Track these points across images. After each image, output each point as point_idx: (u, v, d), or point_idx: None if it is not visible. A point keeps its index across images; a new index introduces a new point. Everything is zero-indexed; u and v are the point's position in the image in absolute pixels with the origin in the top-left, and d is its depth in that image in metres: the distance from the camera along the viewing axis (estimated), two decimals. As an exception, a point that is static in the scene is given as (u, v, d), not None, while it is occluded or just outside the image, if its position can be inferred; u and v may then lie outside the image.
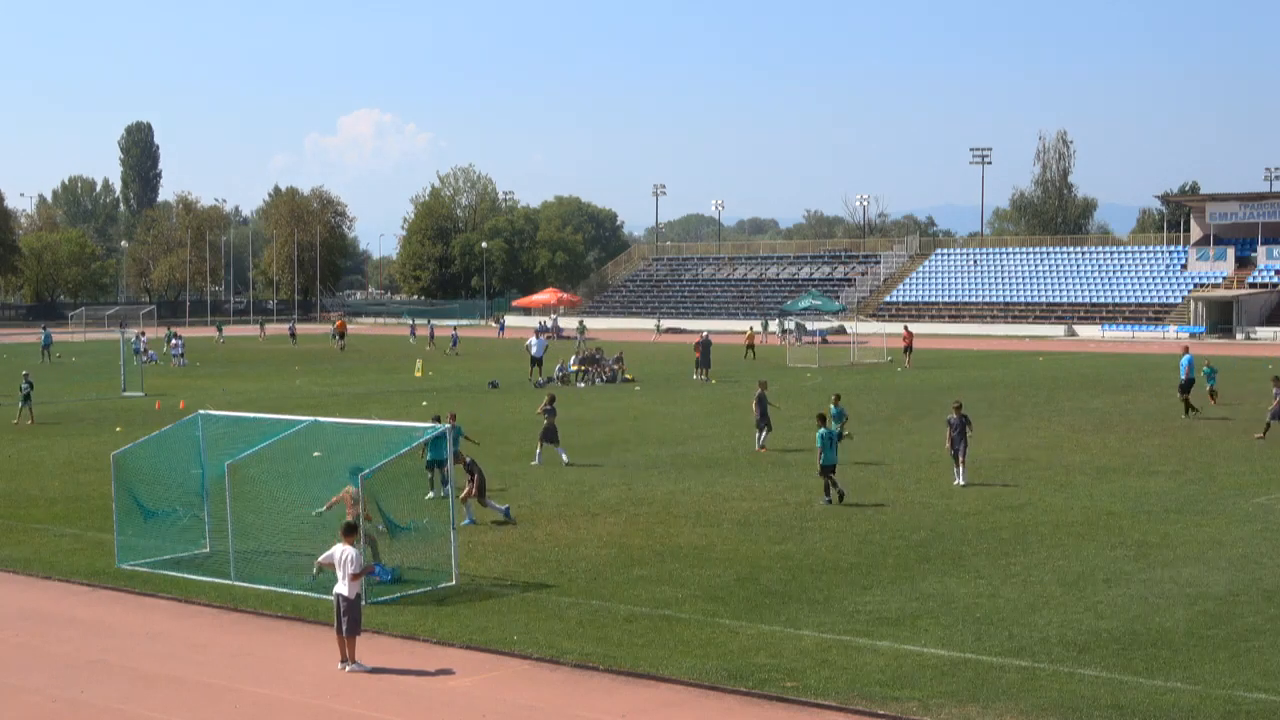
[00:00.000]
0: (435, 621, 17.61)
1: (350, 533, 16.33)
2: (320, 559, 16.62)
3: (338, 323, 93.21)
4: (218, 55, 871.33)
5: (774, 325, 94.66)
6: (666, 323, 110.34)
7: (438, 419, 25.96)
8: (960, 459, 27.80)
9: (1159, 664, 15.39)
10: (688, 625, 17.29)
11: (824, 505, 25.59)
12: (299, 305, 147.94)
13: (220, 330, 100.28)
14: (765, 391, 34.24)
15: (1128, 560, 20.77)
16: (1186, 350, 42.96)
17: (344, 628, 15.77)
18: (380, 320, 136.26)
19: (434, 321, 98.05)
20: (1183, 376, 41.03)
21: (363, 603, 16.33)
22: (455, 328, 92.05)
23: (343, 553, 15.99)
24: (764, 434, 33.78)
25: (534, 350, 57.70)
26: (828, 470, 25.92)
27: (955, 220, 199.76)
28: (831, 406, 31.96)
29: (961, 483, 27.52)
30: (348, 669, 15.71)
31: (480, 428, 34.61)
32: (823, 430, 26.06)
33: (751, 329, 79.21)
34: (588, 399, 48.11)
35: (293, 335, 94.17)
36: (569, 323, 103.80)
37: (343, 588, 15.84)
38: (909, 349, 65.30)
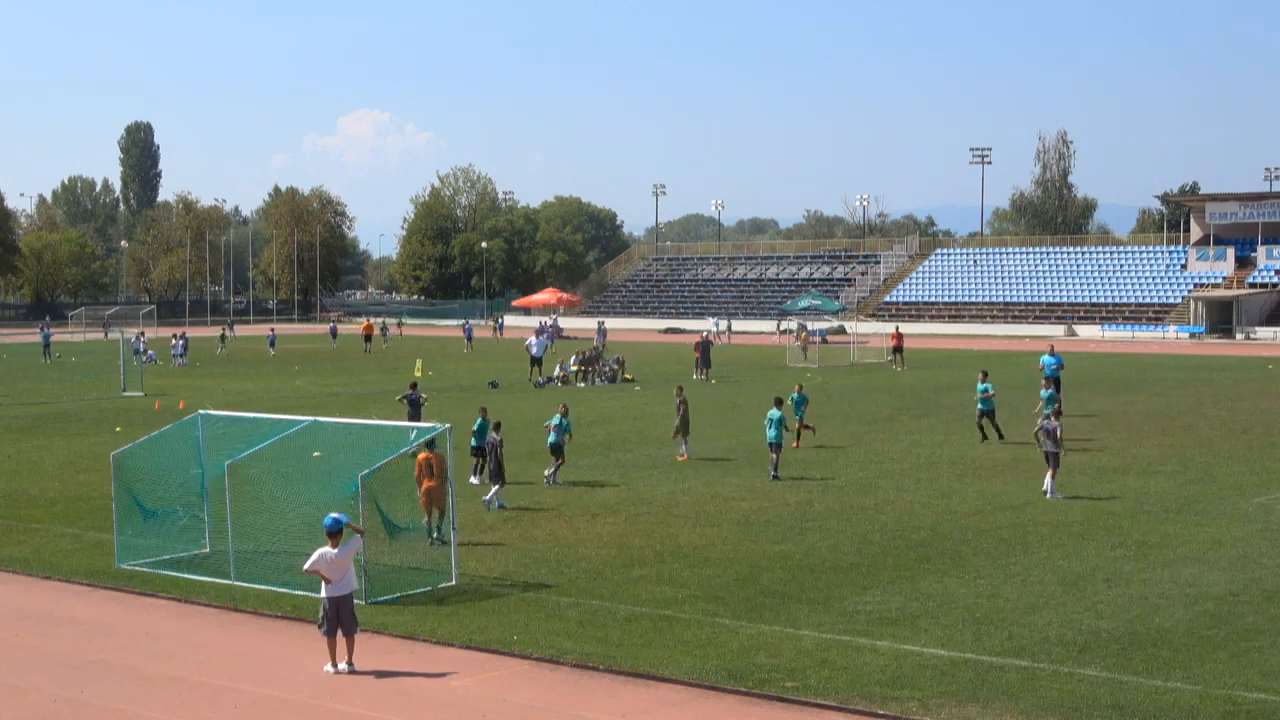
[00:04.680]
0: (435, 621, 17.61)
1: (335, 531, 16.17)
2: (307, 567, 16.15)
3: (364, 324, 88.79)
4: (218, 55, 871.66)
5: (784, 325, 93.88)
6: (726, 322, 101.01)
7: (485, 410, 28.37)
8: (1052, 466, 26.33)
9: (1159, 664, 15.39)
10: (688, 625, 17.29)
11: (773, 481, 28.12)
12: (299, 305, 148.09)
13: (232, 328, 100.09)
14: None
15: (1128, 560, 20.77)
16: (1052, 350, 42.76)
17: (343, 628, 15.74)
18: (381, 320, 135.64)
19: (471, 321, 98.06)
20: (1048, 375, 41.17)
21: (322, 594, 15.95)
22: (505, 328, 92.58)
23: (323, 554, 15.92)
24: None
25: (534, 350, 57.72)
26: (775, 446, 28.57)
27: (955, 220, 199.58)
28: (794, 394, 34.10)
29: (1050, 495, 26.18)
30: (343, 669, 15.68)
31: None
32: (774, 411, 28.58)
33: (802, 329, 78.48)
34: (588, 399, 48.09)
35: (272, 344, 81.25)
36: (569, 323, 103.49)
37: (334, 589, 15.78)
38: (898, 349, 65.04)
